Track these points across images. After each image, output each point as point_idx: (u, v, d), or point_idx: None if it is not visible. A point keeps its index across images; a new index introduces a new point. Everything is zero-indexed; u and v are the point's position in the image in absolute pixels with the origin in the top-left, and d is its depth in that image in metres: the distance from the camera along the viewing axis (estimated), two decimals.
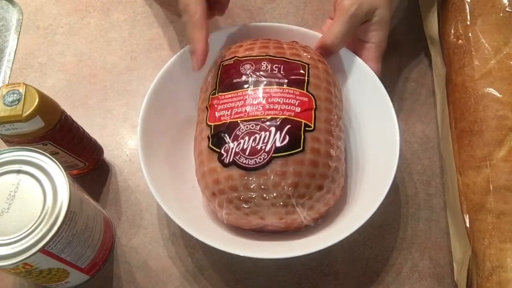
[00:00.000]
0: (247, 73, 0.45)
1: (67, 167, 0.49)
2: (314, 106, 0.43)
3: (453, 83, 0.50)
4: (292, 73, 0.45)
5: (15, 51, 0.60)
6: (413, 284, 0.47)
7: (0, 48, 0.61)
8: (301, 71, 0.45)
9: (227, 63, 0.47)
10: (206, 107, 0.45)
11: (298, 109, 0.43)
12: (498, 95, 0.46)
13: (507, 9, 0.50)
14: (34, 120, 0.41)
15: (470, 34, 0.49)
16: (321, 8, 0.63)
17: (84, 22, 0.63)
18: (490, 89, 0.47)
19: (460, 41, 0.50)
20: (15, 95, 0.41)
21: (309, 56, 0.47)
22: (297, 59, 0.46)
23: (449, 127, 0.50)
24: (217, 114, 0.44)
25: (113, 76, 0.59)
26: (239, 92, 0.44)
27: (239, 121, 0.42)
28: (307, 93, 0.44)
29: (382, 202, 0.43)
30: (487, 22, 0.49)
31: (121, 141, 0.55)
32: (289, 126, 0.42)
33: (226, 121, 0.43)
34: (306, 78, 0.45)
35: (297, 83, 0.44)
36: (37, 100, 0.41)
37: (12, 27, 0.62)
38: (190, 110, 0.49)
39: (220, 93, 0.45)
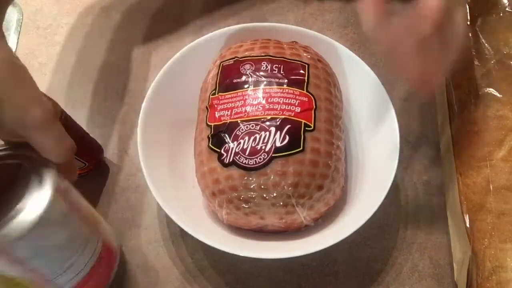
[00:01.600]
0: (247, 73, 0.45)
1: None
2: (314, 106, 0.43)
3: (453, 83, 0.50)
4: (292, 73, 0.45)
5: (15, 51, 0.60)
6: (413, 284, 0.47)
7: None
8: (301, 71, 0.45)
9: (227, 63, 0.47)
10: (206, 107, 0.45)
11: (298, 109, 0.43)
12: (498, 95, 0.46)
13: (507, 9, 0.50)
14: None
15: (470, 34, 0.49)
16: (321, 8, 0.63)
17: (84, 22, 0.63)
18: (490, 89, 0.47)
19: None
20: None
21: (309, 56, 0.47)
22: (297, 59, 0.46)
23: (449, 127, 0.50)
24: (217, 114, 0.44)
25: (113, 76, 0.59)
26: (239, 92, 0.44)
27: (239, 121, 0.42)
28: (307, 93, 0.44)
29: (382, 202, 0.43)
30: (487, 22, 0.49)
31: (121, 141, 0.55)
32: (289, 126, 0.42)
33: (226, 121, 0.43)
34: (306, 78, 0.45)
35: (297, 83, 0.44)
36: None
37: (12, 27, 0.62)
38: (190, 110, 0.49)
39: (220, 93, 0.45)
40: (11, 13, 0.63)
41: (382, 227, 0.50)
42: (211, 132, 0.43)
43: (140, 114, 0.47)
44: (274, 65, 0.45)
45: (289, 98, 0.43)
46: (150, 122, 0.47)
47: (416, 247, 0.49)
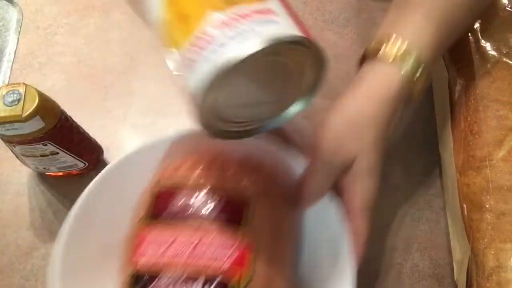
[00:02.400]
0: (178, 205, 0.38)
1: (67, 167, 0.49)
2: (253, 250, 0.36)
3: (453, 83, 0.50)
4: (229, 210, 0.38)
5: (15, 51, 0.60)
6: (413, 284, 0.47)
7: (0, 48, 0.61)
8: (242, 206, 0.38)
9: (159, 189, 0.40)
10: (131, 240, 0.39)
11: (228, 262, 0.35)
12: (498, 95, 0.46)
13: (507, 8, 0.50)
14: (34, 120, 0.41)
15: (469, 34, 0.49)
16: (321, 8, 0.63)
17: (84, 22, 0.63)
18: (490, 89, 0.47)
19: (459, 42, 0.50)
20: (15, 95, 0.41)
21: (258, 182, 0.40)
22: (241, 190, 0.39)
23: (449, 127, 0.50)
24: (137, 255, 0.37)
25: (113, 76, 0.59)
26: (166, 231, 0.37)
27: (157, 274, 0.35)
28: (245, 235, 0.37)
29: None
30: (487, 22, 0.49)
31: (121, 141, 0.55)
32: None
33: (147, 264, 0.36)
34: (246, 215, 0.38)
35: (234, 223, 0.37)
36: (37, 100, 0.41)
37: (12, 27, 0.62)
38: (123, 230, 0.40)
39: (148, 225, 0.38)
40: (11, 13, 0.63)
41: (382, 227, 0.50)
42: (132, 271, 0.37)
43: (59, 241, 0.40)
44: (211, 199, 0.38)
45: (219, 246, 0.36)
46: (73, 249, 0.40)
47: (416, 247, 0.49)
